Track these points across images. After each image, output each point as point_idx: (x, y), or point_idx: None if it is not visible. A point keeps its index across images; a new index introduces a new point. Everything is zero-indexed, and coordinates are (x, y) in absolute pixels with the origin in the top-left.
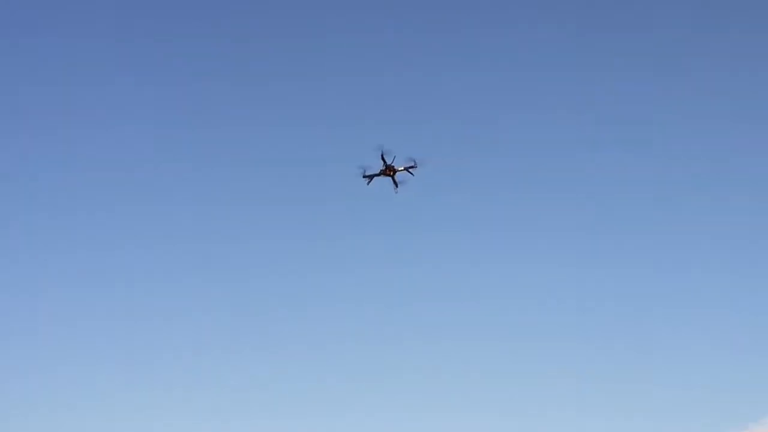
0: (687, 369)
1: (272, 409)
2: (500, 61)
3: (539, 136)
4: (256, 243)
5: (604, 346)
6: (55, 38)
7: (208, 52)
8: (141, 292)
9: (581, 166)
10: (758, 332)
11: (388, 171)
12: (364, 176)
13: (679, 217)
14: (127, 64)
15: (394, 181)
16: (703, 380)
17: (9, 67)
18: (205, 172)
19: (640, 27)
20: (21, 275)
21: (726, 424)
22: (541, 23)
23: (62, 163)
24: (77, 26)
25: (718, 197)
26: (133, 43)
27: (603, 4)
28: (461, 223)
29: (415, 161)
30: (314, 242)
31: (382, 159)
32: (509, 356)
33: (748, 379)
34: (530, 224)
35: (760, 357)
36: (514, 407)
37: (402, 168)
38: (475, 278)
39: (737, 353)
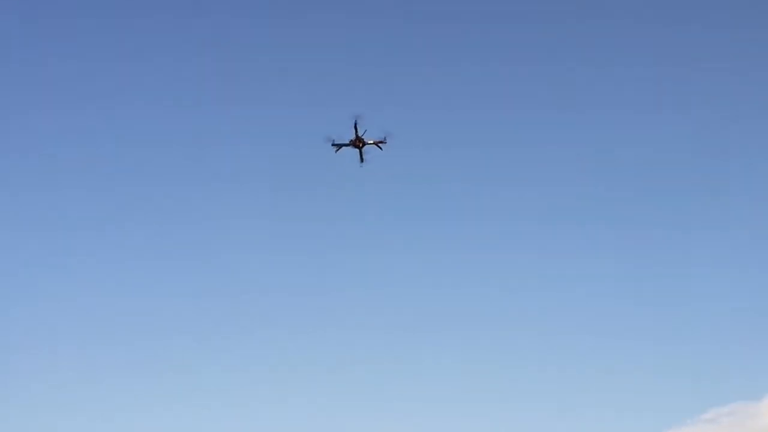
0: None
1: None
2: (484, 52)
3: (515, 128)
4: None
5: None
6: None
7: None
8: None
9: (556, 155)
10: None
11: (358, 142)
12: (333, 144)
13: (668, 212)
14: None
15: (361, 154)
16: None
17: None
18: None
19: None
20: None
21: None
22: (521, 16)
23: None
24: None
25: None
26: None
27: None
28: (430, 210)
29: (385, 137)
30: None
31: (355, 128)
32: (475, 345)
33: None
34: (503, 213)
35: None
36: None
37: (372, 141)
38: (442, 267)
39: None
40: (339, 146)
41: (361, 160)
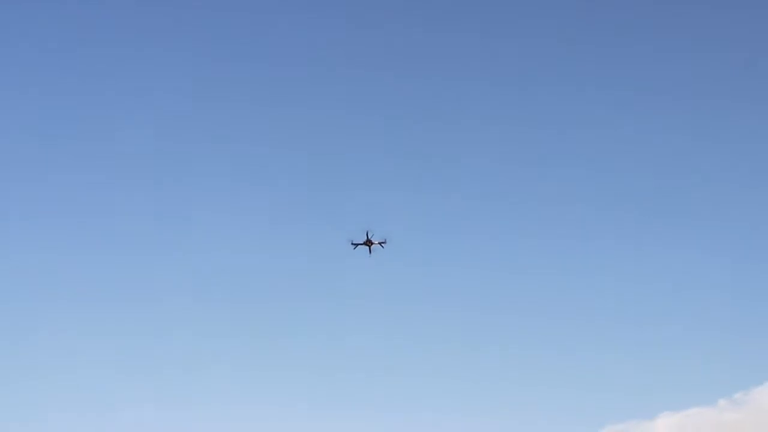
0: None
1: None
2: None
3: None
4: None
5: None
6: None
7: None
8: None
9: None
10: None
11: (368, 242)
12: (352, 243)
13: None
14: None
15: (370, 250)
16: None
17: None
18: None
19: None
20: None
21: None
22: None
23: None
24: None
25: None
26: None
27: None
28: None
29: (386, 239)
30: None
31: (366, 234)
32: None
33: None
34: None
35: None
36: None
37: (377, 242)
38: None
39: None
40: (356, 245)
41: (370, 253)
